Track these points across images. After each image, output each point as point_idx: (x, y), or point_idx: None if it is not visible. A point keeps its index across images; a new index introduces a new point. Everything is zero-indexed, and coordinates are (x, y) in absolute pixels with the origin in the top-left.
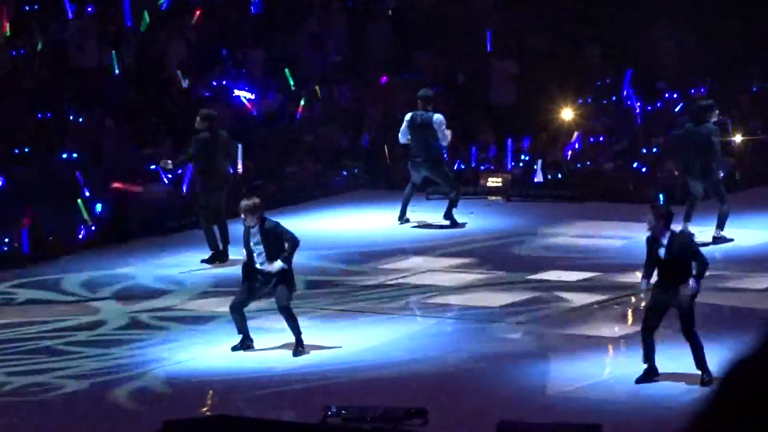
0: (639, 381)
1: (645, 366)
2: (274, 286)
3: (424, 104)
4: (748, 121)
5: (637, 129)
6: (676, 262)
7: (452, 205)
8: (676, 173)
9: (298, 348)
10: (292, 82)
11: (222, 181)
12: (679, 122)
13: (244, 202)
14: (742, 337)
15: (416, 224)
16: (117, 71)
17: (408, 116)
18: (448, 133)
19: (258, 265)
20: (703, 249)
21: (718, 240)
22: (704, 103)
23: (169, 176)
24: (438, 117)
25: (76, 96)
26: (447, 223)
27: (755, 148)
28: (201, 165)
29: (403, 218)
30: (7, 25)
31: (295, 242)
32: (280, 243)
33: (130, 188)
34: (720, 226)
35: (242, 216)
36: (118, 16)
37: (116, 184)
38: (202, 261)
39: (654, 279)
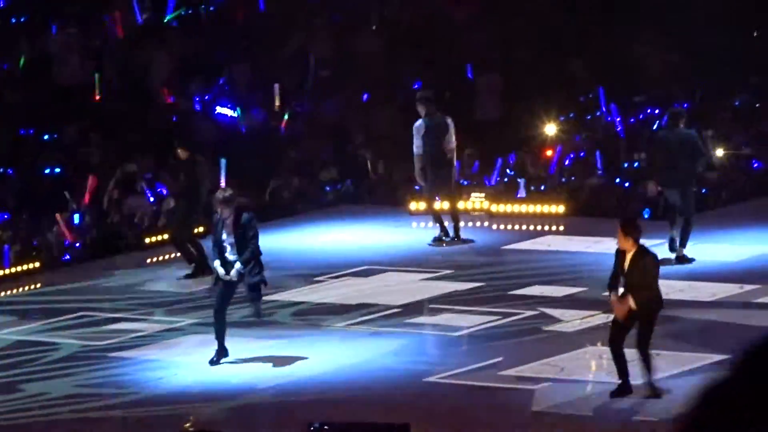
0: (614, 395)
1: (620, 381)
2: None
3: (429, 106)
4: (731, 136)
5: (619, 144)
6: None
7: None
8: (659, 189)
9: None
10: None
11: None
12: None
13: (219, 194)
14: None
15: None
16: (98, 94)
17: (419, 124)
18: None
19: (228, 256)
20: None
21: (682, 260)
22: (674, 110)
23: (151, 192)
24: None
25: (59, 111)
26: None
27: (738, 162)
28: (185, 190)
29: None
30: None
31: (254, 251)
32: (247, 241)
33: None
34: (683, 244)
35: (217, 208)
36: (102, 32)
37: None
38: (186, 276)
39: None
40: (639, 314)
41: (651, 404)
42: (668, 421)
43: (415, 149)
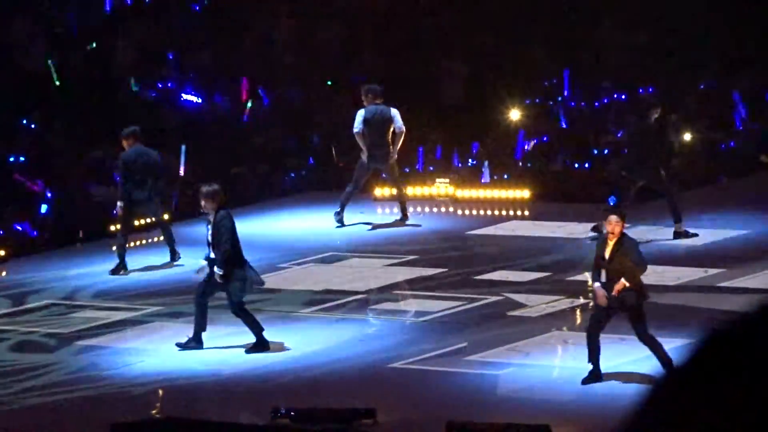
0: (585, 382)
1: (591, 367)
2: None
3: (375, 98)
4: (695, 120)
5: (585, 129)
6: (620, 265)
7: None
8: (623, 173)
9: (258, 347)
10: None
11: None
12: (625, 121)
13: (204, 188)
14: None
15: (365, 224)
16: (57, 82)
17: (363, 112)
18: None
19: (211, 254)
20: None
21: (681, 235)
22: (648, 101)
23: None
24: (395, 110)
25: (22, 99)
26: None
27: (702, 146)
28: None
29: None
30: None
31: (223, 252)
32: (220, 241)
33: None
34: (677, 219)
35: (201, 203)
36: (65, 20)
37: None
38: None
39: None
40: (624, 303)
41: (620, 389)
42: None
43: (354, 129)
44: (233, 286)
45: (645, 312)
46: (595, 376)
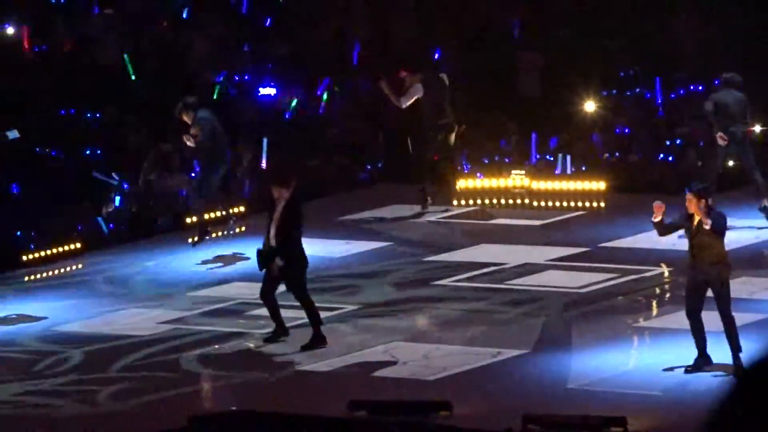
0: (689, 370)
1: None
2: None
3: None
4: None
5: (659, 120)
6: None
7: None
8: (723, 140)
9: (314, 342)
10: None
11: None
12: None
13: (277, 175)
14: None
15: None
16: (132, 76)
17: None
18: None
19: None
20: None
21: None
22: (728, 75)
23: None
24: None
25: (97, 93)
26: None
27: None
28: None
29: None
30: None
31: (296, 236)
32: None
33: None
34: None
35: (273, 190)
36: (140, 14)
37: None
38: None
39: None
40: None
41: (696, 382)
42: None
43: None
44: (288, 276)
45: (729, 290)
46: (699, 364)
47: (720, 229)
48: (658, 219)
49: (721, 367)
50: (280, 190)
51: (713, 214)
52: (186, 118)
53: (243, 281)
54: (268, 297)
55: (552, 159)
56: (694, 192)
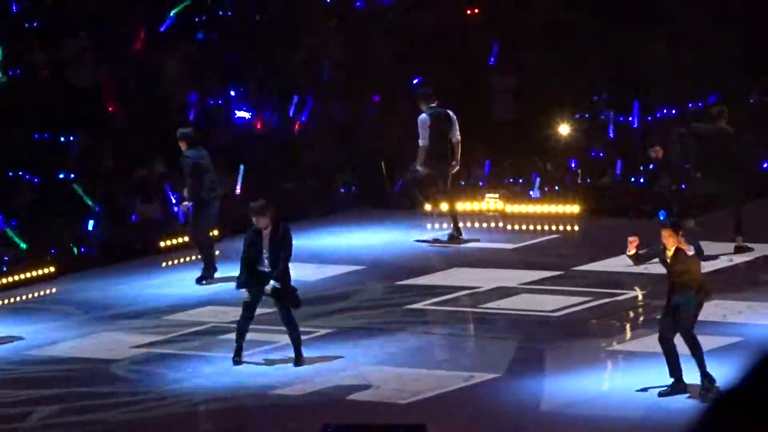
0: (663, 394)
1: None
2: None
3: (429, 100)
4: (745, 134)
5: (635, 143)
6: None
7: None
8: (688, 167)
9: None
10: (292, 110)
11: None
12: (681, 129)
13: (253, 204)
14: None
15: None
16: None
17: (423, 117)
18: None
19: (265, 269)
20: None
21: (740, 249)
22: (717, 109)
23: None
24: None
25: (72, 116)
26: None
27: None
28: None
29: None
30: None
31: (287, 257)
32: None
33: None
34: (738, 231)
35: (253, 219)
36: (116, 37)
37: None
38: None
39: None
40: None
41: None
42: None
43: (420, 141)
44: (291, 294)
45: (697, 312)
46: (674, 389)
47: (700, 251)
48: (632, 252)
49: (695, 390)
50: (258, 218)
51: (689, 240)
52: (182, 147)
53: (218, 305)
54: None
55: (522, 182)
56: (670, 226)
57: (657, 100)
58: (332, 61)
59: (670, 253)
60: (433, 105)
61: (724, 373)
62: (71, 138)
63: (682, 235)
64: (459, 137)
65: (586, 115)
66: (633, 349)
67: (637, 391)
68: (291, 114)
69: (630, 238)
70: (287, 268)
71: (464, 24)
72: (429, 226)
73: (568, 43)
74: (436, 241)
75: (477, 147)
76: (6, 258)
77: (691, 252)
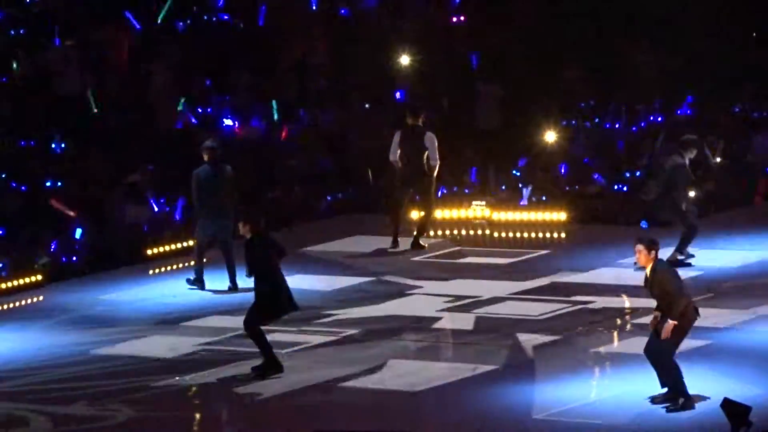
0: (655, 401)
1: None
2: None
3: (415, 119)
4: (731, 142)
5: (620, 152)
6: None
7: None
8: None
9: (267, 370)
10: (275, 115)
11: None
12: (658, 141)
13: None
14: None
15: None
16: (95, 110)
17: (397, 133)
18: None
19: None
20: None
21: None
22: (687, 138)
23: (153, 201)
24: (430, 133)
25: (58, 124)
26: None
27: (733, 169)
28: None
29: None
30: None
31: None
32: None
33: (65, 210)
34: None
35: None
36: (101, 45)
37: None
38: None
39: None
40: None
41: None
42: None
43: (390, 156)
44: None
45: (679, 340)
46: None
47: (666, 287)
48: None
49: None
50: (240, 227)
51: (660, 275)
52: (205, 159)
53: (221, 314)
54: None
55: (505, 189)
56: (644, 243)
57: (644, 108)
58: (318, 68)
59: (647, 271)
60: (411, 123)
61: (694, 374)
62: (58, 145)
63: (654, 256)
64: (437, 162)
65: (573, 122)
66: (621, 355)
67: (630, 398)
68: (277, 121)
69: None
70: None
71: (449, 32)
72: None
73: (554, 50)
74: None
75: (463, 155)
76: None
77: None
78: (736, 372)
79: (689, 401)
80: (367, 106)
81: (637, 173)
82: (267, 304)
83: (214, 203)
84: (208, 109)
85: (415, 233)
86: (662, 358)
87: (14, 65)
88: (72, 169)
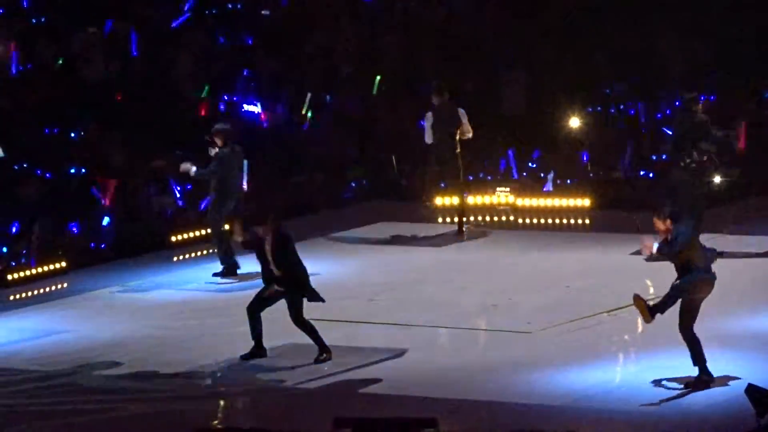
0: (688, 385)
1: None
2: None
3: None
4: (761, 127)
5: (644, 137)
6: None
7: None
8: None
9: (322, 355)
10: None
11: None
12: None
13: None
14: None
15: None
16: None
17: (428, 114)
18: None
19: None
20: None
21: None
22: (688, 96)
23: (178, 188)
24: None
25: (82, 109)
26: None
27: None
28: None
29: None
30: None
31: (290, 262)
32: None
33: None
34: None
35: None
36: (125, 30)
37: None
38: (214, 274)
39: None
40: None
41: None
42: None
43: (426, 139)
44: (288, 302)
45: (697, 306)
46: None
47: (670, 250)
48: (646, 256)
49: (720, 381)
50: (259, 228)
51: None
52: (218, 143)
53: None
54: (254, 314)
55: (527, 176)
56: (656, 214)
57: (670, 94)
58: (344, 55)
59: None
60: (441, 101)
61: (719, 359)
62: (82, 132)
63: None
64: (469, 134)
65: (599, 108)
66: (645, 342)
67: (653, 384)
68: (302, 107)
69: (644, 245)
70: (293, 273)
71: (476, 18)
72: (440, 219)
73: (580, 36)
74: None
75: (489, 141)
76: (23, 251)
77: (653, 250)
78: (761, 357)
79: (704, 376)
80: (391, 92)
81: (663, 157)
82: (302, 291)
83: (232, 184)
84: (235, 97)
85: (456, 221)
86: (685, 333)
87: (39, 53)
88: (95, 156)
